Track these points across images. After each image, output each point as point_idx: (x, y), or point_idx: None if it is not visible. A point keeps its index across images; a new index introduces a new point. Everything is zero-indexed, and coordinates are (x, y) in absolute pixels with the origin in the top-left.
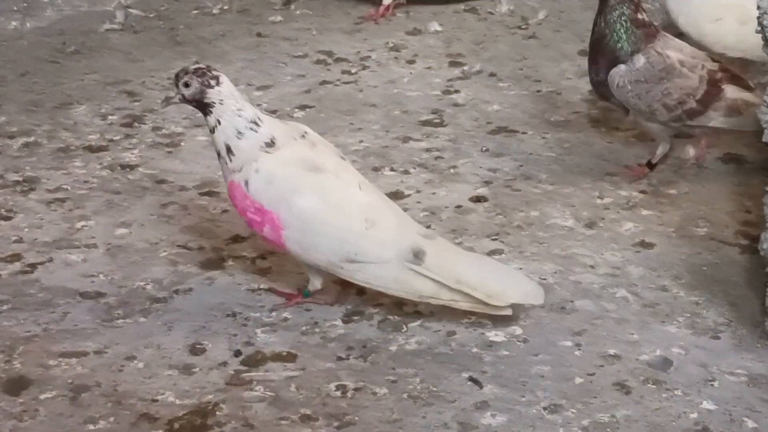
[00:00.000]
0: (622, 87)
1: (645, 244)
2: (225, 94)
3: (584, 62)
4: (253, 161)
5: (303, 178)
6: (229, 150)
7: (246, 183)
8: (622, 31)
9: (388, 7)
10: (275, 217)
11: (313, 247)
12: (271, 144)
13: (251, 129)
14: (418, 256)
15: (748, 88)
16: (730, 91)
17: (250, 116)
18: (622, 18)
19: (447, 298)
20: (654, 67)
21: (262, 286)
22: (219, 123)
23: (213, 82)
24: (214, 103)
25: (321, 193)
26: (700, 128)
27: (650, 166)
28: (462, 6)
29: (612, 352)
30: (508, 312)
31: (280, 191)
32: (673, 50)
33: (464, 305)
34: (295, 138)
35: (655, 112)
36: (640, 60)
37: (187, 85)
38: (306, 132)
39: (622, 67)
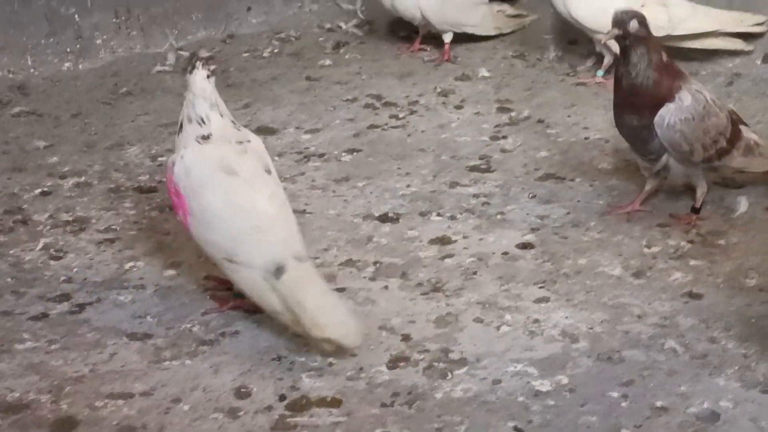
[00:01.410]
0: (672, 126)
1: (694, 295)
2: (193, 83)
3: None
4: (184, 147)
5: (214, 176)
6: (180, 129)
7: (173, 164)
8: (650, 71)
9: (447, 51)
10: (186, 203)
11: (208, 241)
12: (205, 138)
13: (197, 122)
14: (279, 270)
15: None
16: (745, 131)
17: (200, 111)
18: (644, 59)
19: (288, 318)
20: (699, 104)
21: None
22: (185, 102)
23: (190, 69)
24: (188, 86)
25: (225, 193)
26: (718, 171)
27: (695, 211)
28: (510, 52)
29: (660, 404)
30: (330, 347)
31: (192, 181)
32: (704, 89)
33: (298, 329)
34: (230, 142)
35: (693, 152)
36: (687, 98)
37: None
38: (248, 140)
39: (671, 105)
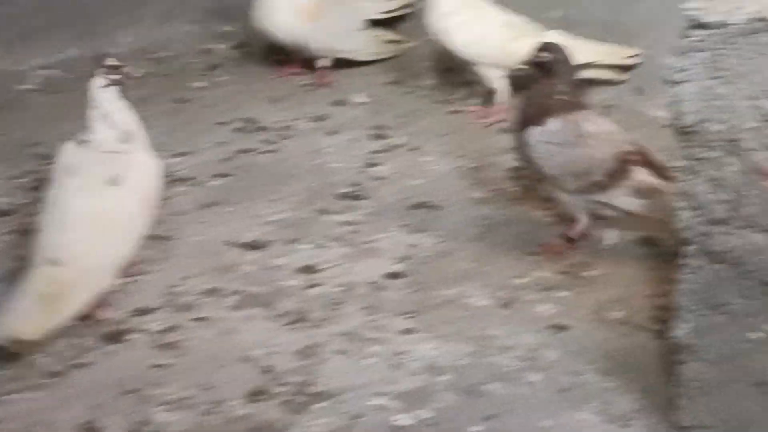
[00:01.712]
0: (534, 147)
1: (560, 327)
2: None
3: (505, 139)
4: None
5: (60, 177)
6: None
7: None
8: (539, 99)
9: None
10: None
11: None
12: (83, 142)
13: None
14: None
15: (664, 177)
16: (640, 174)
17: (89, 118)
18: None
19: None
20: (566, 132)
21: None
22: None
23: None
24: None
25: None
26: (609, 208)
27: (569, 240)
28: (387, 78)
29: None
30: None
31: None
32: (589, 123)
33: None
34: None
35: (562, 179)
36: (554, 124)
37: None
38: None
39: (537, 128)
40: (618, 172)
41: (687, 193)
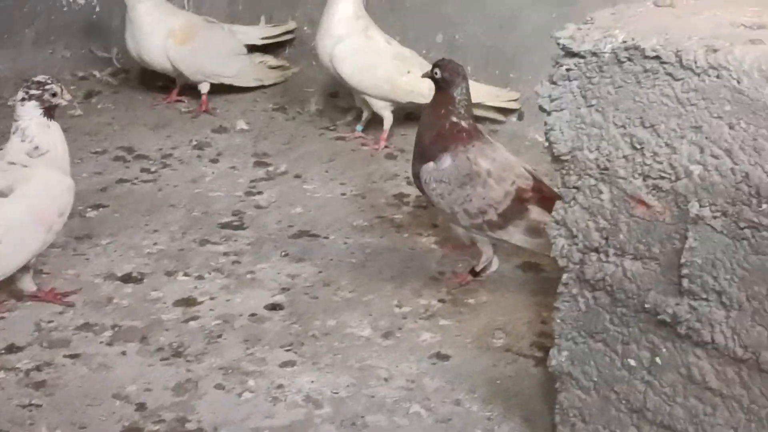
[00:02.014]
0: (428, 183)
1: (441, 356)
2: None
3: (390, 166)
4: None
5: None
6: None
7: None
8: (434, 125)
9: (205, 102)
10: None
11: None
12: None
13: None
14: None
15: None
16: (535, 212)
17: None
18: (434, 112)
19: None
20: (459, 170)
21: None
22: None
23: None
24: None
25: None
26: (504, 243)
27: (474, 273)
28: (271, 104)
29: None
30: None
31: None
32: (485, 159)
33: None
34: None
35: (456, 215)
36: (447, 160)
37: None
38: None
39: (431, 164)
40: (513, 210)
41: (563, 220)
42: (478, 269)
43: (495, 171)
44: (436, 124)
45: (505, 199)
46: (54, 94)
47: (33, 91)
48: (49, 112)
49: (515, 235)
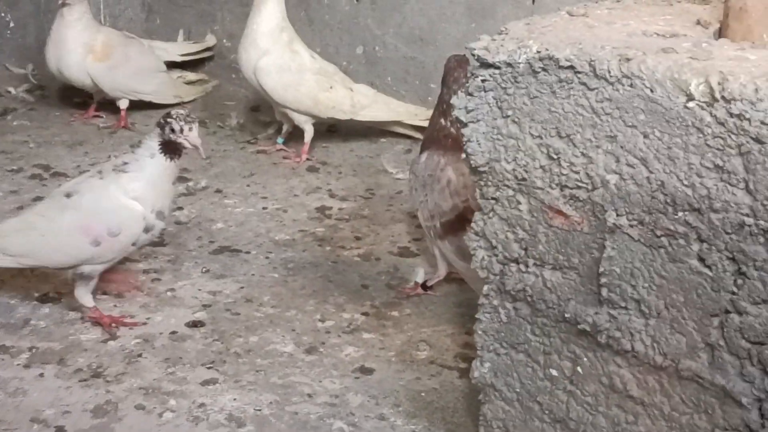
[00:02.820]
0: (410, 174)
1: (365, 370)
2: None
3: (312, 179)
4: None
5: None
6: None
7: None
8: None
9: (123, 118)
10: None
11: None
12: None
13: None
14: None
15: None
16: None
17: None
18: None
19: None
20: (426, 170)
21: None
22: None
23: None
24: None
25: None
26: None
27: (423, 286)
28: None
29: None
30: None
31: None
32: (453, 170)
33: None
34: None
35: (417, 212)
36: (423, 157)
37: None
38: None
39: (421, 157)
40: (452, 227)
41: (482, 232)
42: (430, 284)
43: (456, 184)
44: (431, 122)
45: (450, 212)
46: (173, 130)
47: (163, 120)
48: (166, 146)
49: (448, 251)
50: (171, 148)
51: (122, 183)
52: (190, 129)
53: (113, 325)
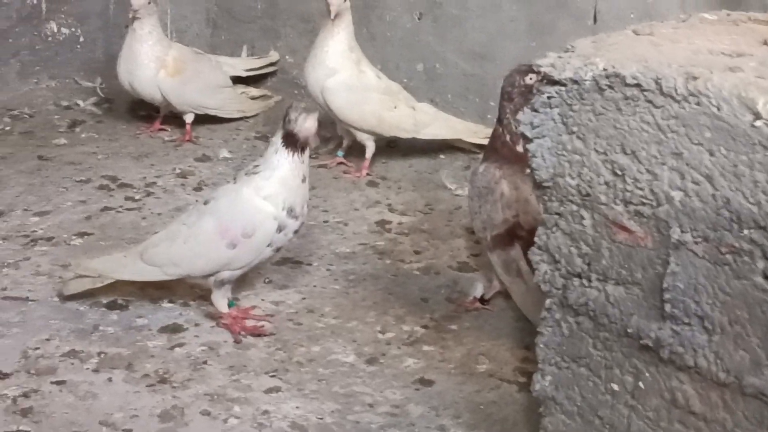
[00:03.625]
0: (470, 184)
1: (425, 382)
2: None
3: (372, 193)
4: None
5: None
6: None
7: None
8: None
9: (189, 132)
10: None
11: None
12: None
13: None
14: None
15: None
16: (516, 252)
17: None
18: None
19: None
20: (482, 181)
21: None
22: None
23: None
24: None
25: None
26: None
27: (482, 301)
28: (253, 133)
29: None
30: None
31: None
32: (508, 184)
33: None
34: None
35: (474, 223)
36: (482, 167)
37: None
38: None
39: (480, 167)
40: (501, 240)
41: (545, 246)
42: (487, 297)
43: (508, 197)
44: (493, 131)
45: (500, 225)
46: (289, 120)
47: (284, 112)
48: (287, 139)
49: (496, 264)
50: (292, 141)
51: (253, 184)
52: (305, 118)
53: (242, 333)
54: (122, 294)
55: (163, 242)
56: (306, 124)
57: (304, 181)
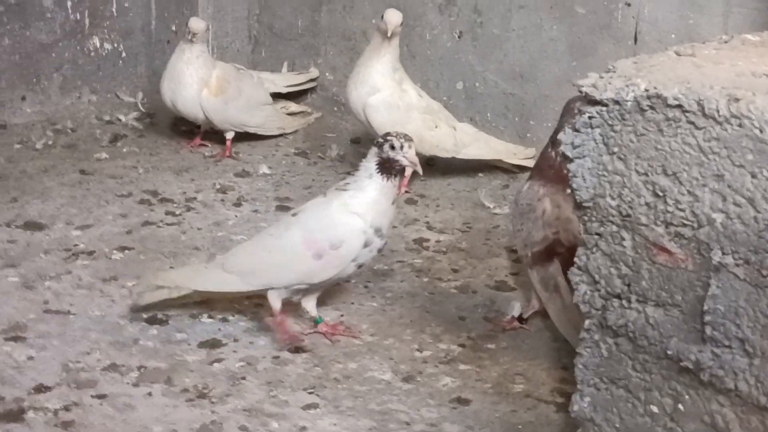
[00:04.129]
0: (514, 202)
1: (461, 401)
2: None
3: (410, 211)
4: None
5: None
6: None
7: None
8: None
9: (229, 147)
10: None
11: None
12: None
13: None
14: None
15: None
16: (554, 268)
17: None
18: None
19: None
20: (525, 199)
21: None
22: None
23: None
24: None
25: None
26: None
27: (520, 320)
28: (292, 149)
29: None
30: None
31: None
32: (550, 202)
33: None
34: None
35: (516, 240)
36: (526, 185)
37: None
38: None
39: (524, 186)
40: (540, 257)
41: (585, 267)
42: (525, 316)
43: (549, 215)
44: (543, 151)
45: (541, 242)
46: (392, 147)
47: (382, 139)
48: (382, 165)
49: (535, 280)
50: (387, 167)
51: (344, 199)
52: (410, 146)
53: (334, 336)
54: (161, 308)
55: (247, 251)
56: (411, 152)
57: (393, 203)
